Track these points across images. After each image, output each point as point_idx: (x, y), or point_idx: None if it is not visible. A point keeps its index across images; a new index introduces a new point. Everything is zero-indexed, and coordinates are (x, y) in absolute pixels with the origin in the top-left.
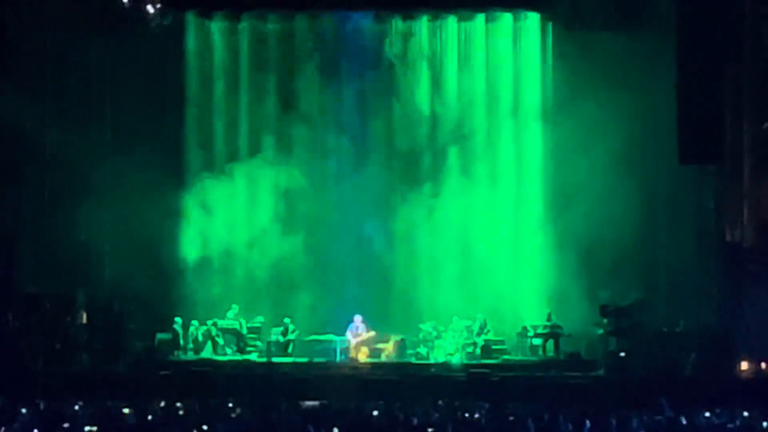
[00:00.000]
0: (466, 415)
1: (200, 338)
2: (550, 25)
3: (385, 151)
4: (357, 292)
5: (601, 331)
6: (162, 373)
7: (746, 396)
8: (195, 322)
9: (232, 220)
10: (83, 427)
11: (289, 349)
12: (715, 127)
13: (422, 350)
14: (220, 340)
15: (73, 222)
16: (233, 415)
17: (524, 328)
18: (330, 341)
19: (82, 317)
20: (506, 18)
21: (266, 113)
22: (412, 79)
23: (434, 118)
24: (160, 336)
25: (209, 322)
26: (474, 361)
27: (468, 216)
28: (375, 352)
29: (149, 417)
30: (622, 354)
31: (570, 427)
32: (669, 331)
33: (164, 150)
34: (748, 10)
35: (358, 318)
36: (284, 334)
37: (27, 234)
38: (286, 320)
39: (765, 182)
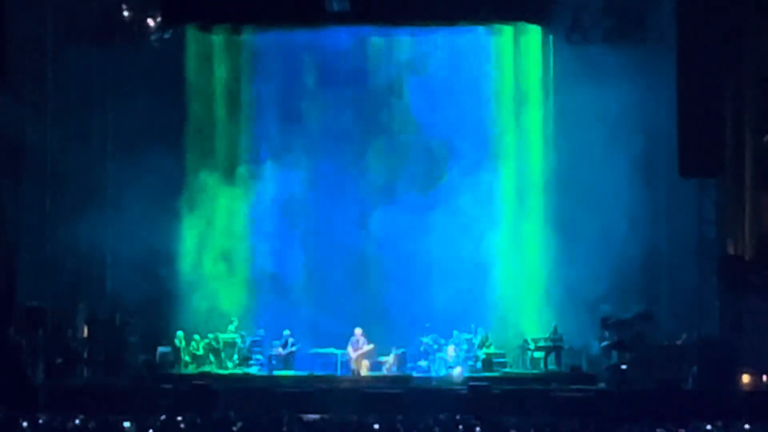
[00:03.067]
0: (468, 428)
1: (201, 352)
2: (551, 38)
3: (384, 164)
4: (357, 305)
5: (603, 344)
6: (163, 386)
7: (748, 409)
8: (197, 336)
9: (232, 232)
10: None
11: (290, 363)
12: (716, 140)
13: (423, 363)
14: (222, 354)
15: (74, 235)
16: (234, 429)
17: (525, 341)
18: (331, 354)
19: (83, 330)
20: (507, 31)
21: (265, 126)
22: (412, 93)
23: (434, 130)
24: (161, 349)
25: (210, 336)
26: (475, 374)
27: (469, 230)
28: (376, 366)
29: (150, 430)
30: (624, 367)
31: None
32: (670, 344)
33: (165, 162)
34: (748, 23)
35: (358, 331)
36: (284, 346)
37: (28, 247)
38: (285, 332)
39: (766, 195)
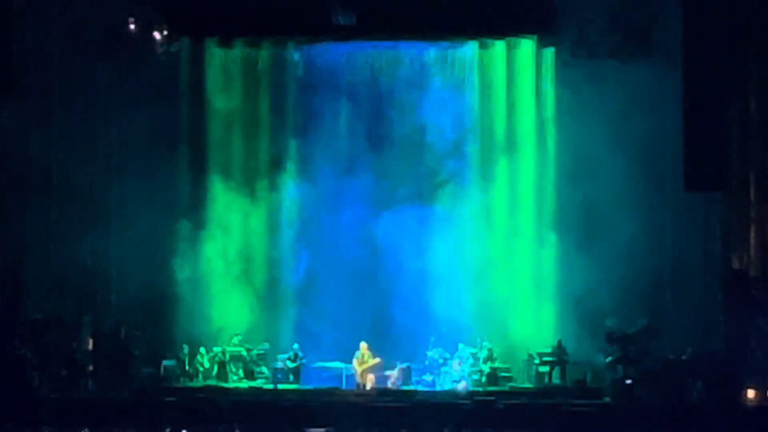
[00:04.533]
0: None
1: (207, 364)
2: (551, 51)
3: (389, 176)
4: (363, 319)
5: (608, 359)
6: (168, 399)
7: (752, 424)
8: (202, 349)
9: (237, 246)
10: None
11: (297, 376)
12: (721, 155)
13: (428, 377)
14: (229, 367)
15: (79, 248)
16: None
17: (530, 355)
18: (336, 368)
19: (88, 343)
20: (509, 44)
21: (271, 139)
22: (416, 105)
23: (437, 142)
24: (166, 362)
25: (216, 349)
26: (480, 389)
27: (473, 244)
28: (381, 379)
29: None
30: (629, 381)
31: None
32: (675, 359)
33: (170, 176)
34: (754, 38)
35: (363, 345)
36: (293, 360)
37: (33, 260)
38: (295, 346)
39: None
